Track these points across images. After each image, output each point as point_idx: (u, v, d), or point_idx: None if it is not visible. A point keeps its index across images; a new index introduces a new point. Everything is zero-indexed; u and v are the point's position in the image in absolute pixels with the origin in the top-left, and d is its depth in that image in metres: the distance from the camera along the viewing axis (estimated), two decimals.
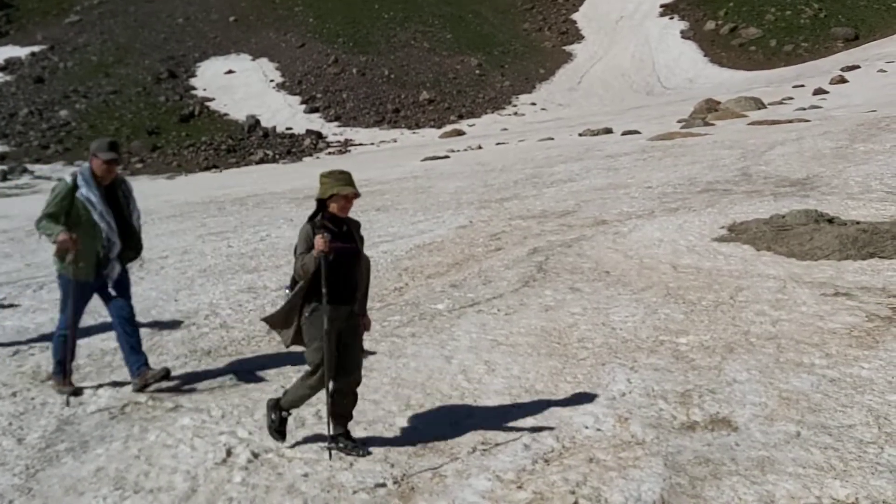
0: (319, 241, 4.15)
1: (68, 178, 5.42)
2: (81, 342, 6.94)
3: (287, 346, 4.53)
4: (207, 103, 51.49)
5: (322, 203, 4.38)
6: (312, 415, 5.00)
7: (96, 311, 8.00)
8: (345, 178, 4.35)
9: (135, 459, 4.54)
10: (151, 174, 38.75)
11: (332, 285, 4.25)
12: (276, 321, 4.47)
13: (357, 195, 4.33)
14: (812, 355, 5.44)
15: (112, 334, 7.14)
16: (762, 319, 6.31)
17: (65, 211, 5.36)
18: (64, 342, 5.60)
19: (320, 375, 4.34)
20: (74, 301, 5.51)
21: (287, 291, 4.48)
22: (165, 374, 5.50)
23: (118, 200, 5.62)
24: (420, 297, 7.88)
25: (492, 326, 6.68)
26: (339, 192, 4.31)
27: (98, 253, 5.47)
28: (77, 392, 5.58)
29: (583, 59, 60.56)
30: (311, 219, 4.40)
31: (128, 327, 5.60)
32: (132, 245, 5.71)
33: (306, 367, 4.45)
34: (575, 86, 56.26)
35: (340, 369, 4.41)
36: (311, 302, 4.33)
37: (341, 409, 4.53)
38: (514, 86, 56.82)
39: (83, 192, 5.40)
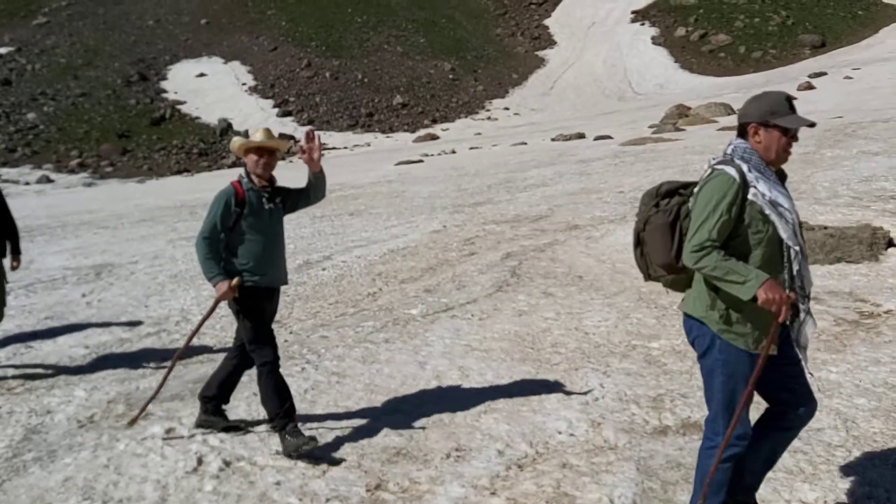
0: None
1: (731, 171, 3.10)
2: (48, 347, 6.83)
3: None
4: (178, 106, 51.02)
5: None
6: None
7: (60, 316, 7.89)
8: None
9: (104, 469, 4.47)
10: (122, 178, 38.30)
11: None
12: None
13: None
14: None
15: (81, 338, 7.04)
16: None
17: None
18: (731, 464, 3.29)
19: None
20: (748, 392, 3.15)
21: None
22: None
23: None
24: (394, 302, 7.86)
25: (465, 332, 6.67)
26: None
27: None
28: None
29: (555, 65, 60.92)
30: None
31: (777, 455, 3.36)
32: None
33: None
34: (548, 91, 56.58)
35: None
36: None
37: None
38: (487, 90, 57.00)
39: (761, 189, 3.09)
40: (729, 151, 3.20)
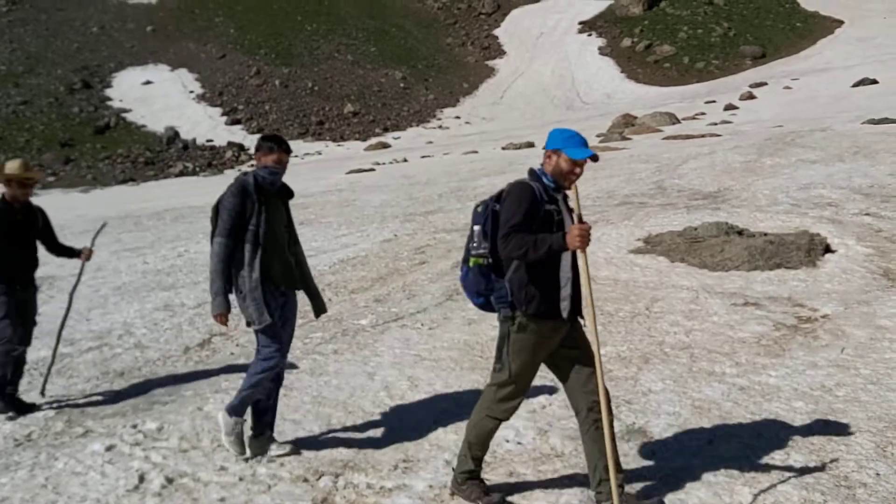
0: None
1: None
2: None
3: None
4: (124, 115, 50.09)
5: None
6: None
7: None
8: None
9: (41, 489, 4.34)
10: (65, 188, 37.39)
11: None
12: None
13: None
14: (723, 364, 5.63)
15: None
16: (676, 330, 6.50)
17: None
18: None
19: None
20: None
21: None
22: None
23: None
24: (343, 312, 7.82)
25: (415, 341, 6.67)
26: None
27: None
28: None
29: (505, 74, 61.47)
30: None
31: None
32: None
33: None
34: (498, 100, 57.06)
35: None
36: None
37: None
38: (438, 99, 57.23)
39: None
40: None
